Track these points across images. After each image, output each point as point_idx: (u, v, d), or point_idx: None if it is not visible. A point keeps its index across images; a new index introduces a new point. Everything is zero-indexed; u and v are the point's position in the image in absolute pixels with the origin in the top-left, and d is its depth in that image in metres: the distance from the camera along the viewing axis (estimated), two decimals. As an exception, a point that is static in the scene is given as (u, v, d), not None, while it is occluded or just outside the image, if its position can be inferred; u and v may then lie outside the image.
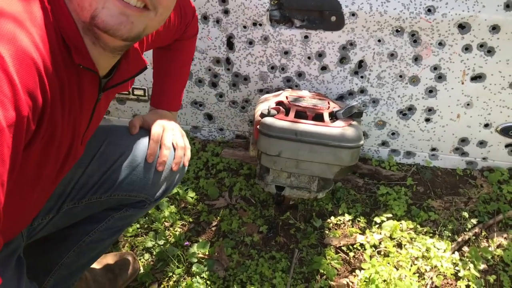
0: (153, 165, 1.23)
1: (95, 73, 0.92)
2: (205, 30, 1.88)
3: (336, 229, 1.81)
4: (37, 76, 0.73)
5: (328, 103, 1.72)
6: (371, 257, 1.70)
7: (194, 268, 1.64)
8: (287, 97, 1.74)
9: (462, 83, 1.88)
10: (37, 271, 1.32)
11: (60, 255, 1.31)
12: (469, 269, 1.68)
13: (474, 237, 1.80)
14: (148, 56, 1.71)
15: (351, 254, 1.72)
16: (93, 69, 0.90)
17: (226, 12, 1.84)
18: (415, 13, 1.75)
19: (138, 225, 1.78)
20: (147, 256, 1.69)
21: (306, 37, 1.85)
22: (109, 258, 1.61)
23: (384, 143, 2.05)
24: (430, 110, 1.94)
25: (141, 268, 1.65)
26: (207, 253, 1.70)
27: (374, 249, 1.73)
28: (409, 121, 1.98)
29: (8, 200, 0.72)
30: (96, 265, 1.56)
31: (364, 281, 1.60)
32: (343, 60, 1.89)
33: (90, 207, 1.23)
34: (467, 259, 1.71)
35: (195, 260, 1.67)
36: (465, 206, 1.91)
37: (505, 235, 1.80)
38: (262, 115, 1.61)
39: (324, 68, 1.92)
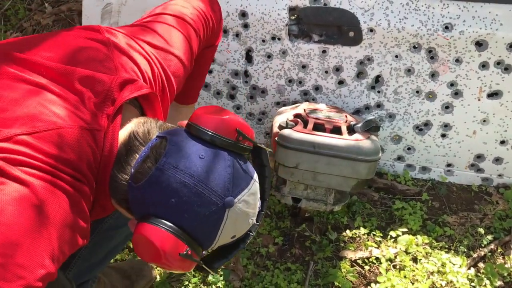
0: None
1: None
2: (225, 43, 1.92)
3: (351, 242, 1.81)
4: None
5: (346, 116, 1.74)
6: (386, 270, 1.70)
7: (210, 278, 1.65)
8: (305, 110, 1.76)
9: (479, 100, 1.89)
10: None
11: None
12: (485, 285, 1.67)
13: (490, 254, 1.79)
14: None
15: (367, 267, 1.73)
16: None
17: (245, 26, 1.88)
18: (432, 30, 1.77)
19: (155, 234, 1.79)
20: (163, 264, 1.71)
21: (324, 51, 1.88)
22: (126, 265, 1.63)
23: (399, 158, 2.06)
24: (446, 126, 1.95)
25: (157, 277, 1.66)
26: (223, 263, 1.71)
27: (389, 263, 1.73)
28: (425, 136, 1.99)
29: None
30: (113, 272, 1.59)
31: (380, 294, 1.60)
32: (360, 74, 1.92)
33: None
34: (483, 276, 1.71)
35: (211, 270, 1.68)
36: (480, 222, 1.91)
37: (521, 253, 1.79)
38: (281, 127, 1.63)
39: (341, 83, 1.94)
